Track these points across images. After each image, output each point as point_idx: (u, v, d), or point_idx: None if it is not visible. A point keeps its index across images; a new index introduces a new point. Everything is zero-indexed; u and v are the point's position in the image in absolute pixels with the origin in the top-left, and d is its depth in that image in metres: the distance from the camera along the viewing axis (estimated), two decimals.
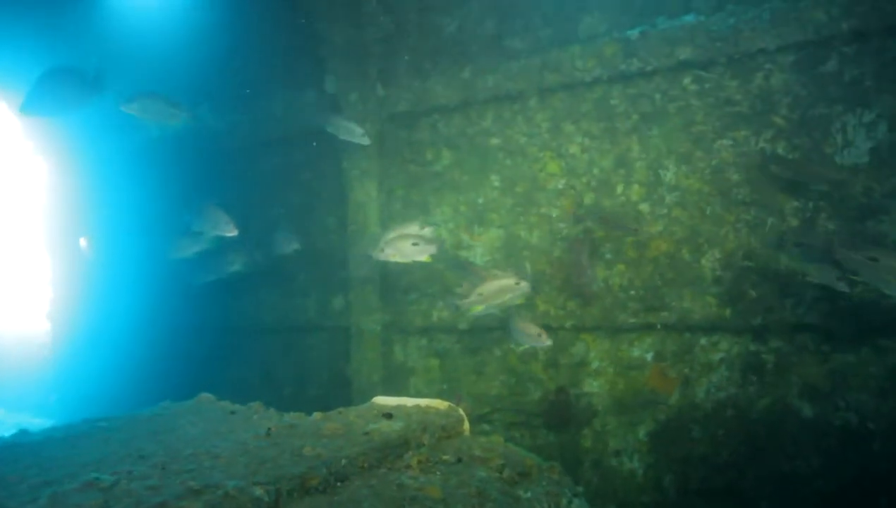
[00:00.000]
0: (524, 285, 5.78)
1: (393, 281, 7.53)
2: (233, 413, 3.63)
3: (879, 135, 5.67)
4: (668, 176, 6.40)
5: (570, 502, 2.89)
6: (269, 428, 2.93)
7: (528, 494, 2.80)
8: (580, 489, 3.07)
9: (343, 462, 2.58)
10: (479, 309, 5.85)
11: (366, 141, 6.73)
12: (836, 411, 5.85)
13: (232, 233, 6.42)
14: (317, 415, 3.20)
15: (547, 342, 5.85)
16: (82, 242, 10.75)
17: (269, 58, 8.41)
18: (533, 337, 5.91)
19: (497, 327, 7.01)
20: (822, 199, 5.84)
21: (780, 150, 6.00)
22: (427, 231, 6.48)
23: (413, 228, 6.53)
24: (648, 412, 6.53)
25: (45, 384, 12.39)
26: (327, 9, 7.37)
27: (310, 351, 8.39)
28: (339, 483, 2.54)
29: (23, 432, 3.65)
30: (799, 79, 5.92)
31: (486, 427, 7.08)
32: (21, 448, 3.10)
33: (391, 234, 6.36)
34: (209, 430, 3.15)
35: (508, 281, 5.76)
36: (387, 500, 2.41)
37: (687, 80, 6.31)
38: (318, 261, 8.08)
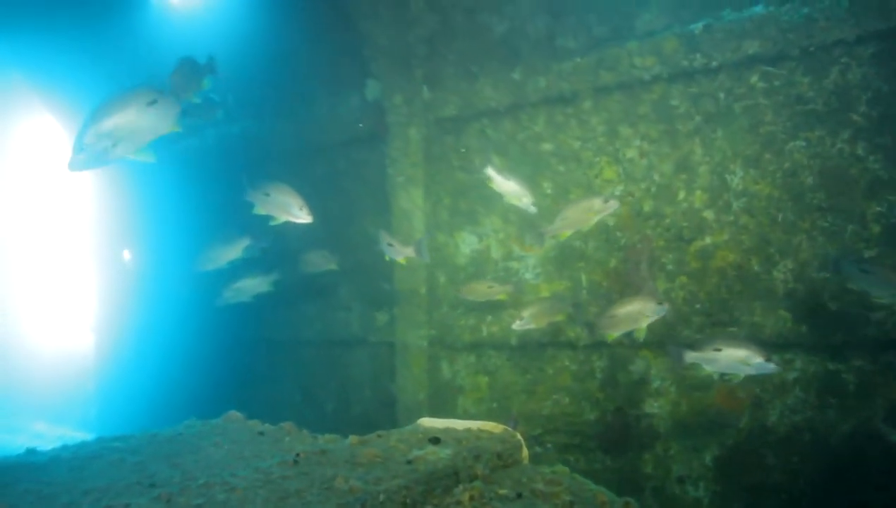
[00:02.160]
0: (665, 306, 5.20)
1: (440, 294, 7.17)
2: (261, 434, 3.30)
3: None
4: (735, 180, 5.94)
5: None
6: (298, 454, 2.57)
7: None
8: None
9: (381, 497, 2.21)
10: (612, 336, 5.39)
11: None
12: None
13: (306, 218, 5.73)
14: (353, 439, 2.84)
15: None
16: (126, 254, 10.65)
17: (312, 62, 8.19)
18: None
19: (549, 343, 6.60)
20: None
21: (859, 151, 5.51)
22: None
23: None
24: (715, 435, 6.05)
25: (86, 397, 12.32)
26: (371, 9, 7.09)
27: (352, 367, 8.08)
28: None
29: (30, 451, 3.39)
30: (879, 72, 5.44)
31: (538, 450, 6.66)
32: (24, 469, 2.82)
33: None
34: (233, 453, 2.82)
35: (647, 303, 5.19)
36: None
37: (754, 77, 5.86)
38: (362, 273, 7.77)
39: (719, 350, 4.82)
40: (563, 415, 6.61)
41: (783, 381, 5.80)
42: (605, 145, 6.46)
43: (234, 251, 7.61)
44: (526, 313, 5.80)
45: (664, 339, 6.14)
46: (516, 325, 5.81)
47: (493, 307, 6.85)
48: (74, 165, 3.79)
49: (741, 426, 5.94)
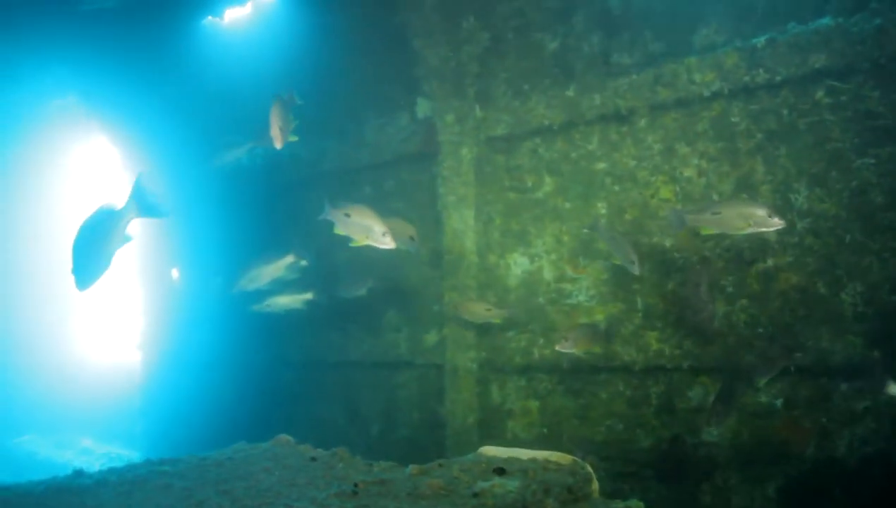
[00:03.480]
0: (777, 220, 4.90)
1: None
2: (313, 459, 3.18)
3: None
4: (800, 200, 5.71)
5: None
6: (356, 484, 2.44)
7: None
8: None
9: None
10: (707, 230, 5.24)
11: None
12: None
13: (389, 245, 5.63)
14: (413, 469, 2.70)
15: (636, 270, 5.61)
16: (174, 273, 10.71)
17: (361, 81, 8.16)
18: (627, 258, 5.63)
19: (604, 368, 6.40)
20: None
21: None
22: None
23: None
24: (778, 466, 5.79)
25: (133, 414, 12.39)
26: (422, 27, 7.03)
27: (400, 389, 7.95)
28: None
29: (77, 473, 3.32)
30: None
31: None
32: (71, 493, 2.74)
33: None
34: (284, 480, 2.70)
35: (757, 209, 4.94)
36: None
37: (820, 93, 5.64)
38: (411, 294, 7.66)
39: (718, 213, 4.93)
40: (617, 442, 6.39)
41: (853, 411, 5.52)
42: (662, 164, 6.28)
43: (276, 270, 7.59)
44: (569, 335, 5.86)
45: (723, 366, 5.93)
46: (559, 347, 5.87)
47: (545, 329, 6.68)
48: None
49: (806, 456, 5.67)
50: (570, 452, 3.03)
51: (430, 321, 7.35)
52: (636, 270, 5.58)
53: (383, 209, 7.73)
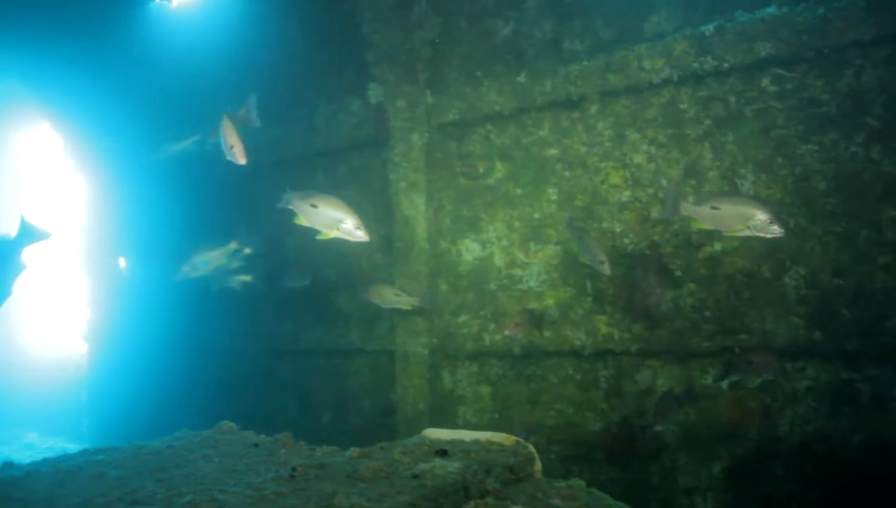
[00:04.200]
0: (776, 228, 4.67)
1: (441, 302, 7.01)
2: (255, 445, 3.13)
3: None
4: (746, 186, 5.80)
5: None
6: (294, 469, 2.40)
7: None
8: None
9: None
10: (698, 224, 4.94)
11: None
12: None
13: (362, 238, 5.28)
14: (354, 451, 2.66)
15: (606, 271, 5.42)
16: (121, 262, 10.49)
17: (312, 67, 8.05)
18: (596, 258, 5.43)
19: (555, 352, 6.44)
20: None
21: (874, 155, 5.37)
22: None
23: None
24: (724, 446, 5.89)
25: (79, 407, 12.13)
26: (373, 11, 6.95)
27: (351, 377, 7.90)
28: None
29: (7, 465, 3.20)
30: (895, 73, 5.30)
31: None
32: None
33: None
34: (224, 467, 2.65)
35: (756, 210, 4.66)
36: None
37: (766, 80, 5.72)
38: (362, 281, 7.61)
39: (717, 208, 4.64)
40: (568, 426, 6.44)
41: (795, 390, 5.64)
42: (612, 150, 6.32)
43: (219, 258, 7.49)
44: (513, 321, 5.85)
45: (671, 349, 6.00)
46: (507, 331, 5.90)
47: (496, 315, 6.69)
48: None
49: (751, 436, 5.77)
50: (515, 434, 3.03)
51: (382, 308, 7.31)
52: (606, 271, 5.42)
53: (336, 196, 7.70)
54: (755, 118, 5.78)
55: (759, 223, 4.57)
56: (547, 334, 6.37)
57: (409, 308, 6.58)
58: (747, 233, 4.62)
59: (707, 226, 4.80)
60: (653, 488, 6.12)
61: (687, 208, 4.81)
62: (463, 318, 6.90)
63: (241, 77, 8.04)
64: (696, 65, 5.82)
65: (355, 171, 7.77)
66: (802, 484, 5.58)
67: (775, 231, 4.57)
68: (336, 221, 5.29)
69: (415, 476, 2.35)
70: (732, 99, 5.85)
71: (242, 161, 5.63)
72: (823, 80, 5.54)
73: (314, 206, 5.30)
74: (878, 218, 5.34)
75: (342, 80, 7.84)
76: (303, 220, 5.35)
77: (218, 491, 2.20)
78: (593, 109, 6.37)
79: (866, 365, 5.40)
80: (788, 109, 5.66)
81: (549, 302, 6.49)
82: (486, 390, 6.89)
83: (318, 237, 5.39)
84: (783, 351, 5.61)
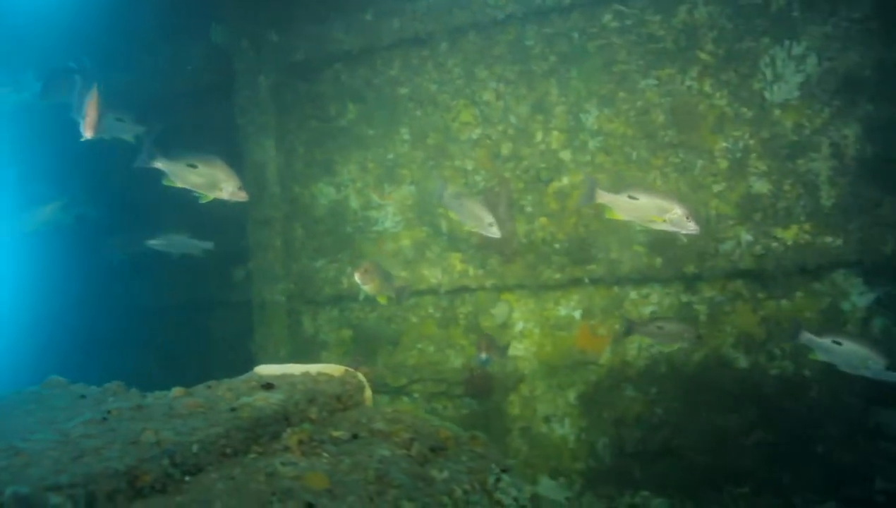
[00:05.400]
0: (692, 225, 4.50)
1: (297, 247, 6.88)
2: (83, 397, 2.99)
3: (809, 69, 5.33)
4: (590, 120, 5.95)
5: (497, 479, 2.36)
6: (109, 411, 2.31)
7: (445, 474, 2.27)
8: (511, 462, 2.57)
9: (194, 448, 1.99)
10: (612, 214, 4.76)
11: None
12: (772, 360, 5.55)
13: (243, 198, 4.99)
14: (177, 391, 2.59)
15: (496, 233, 5.12)
16: None
17: (153, 9, 7.58)
18: (484, 222, 5.10)
19: (413, 292, 6.47)
20: (751, 138, 5.48)
21: (707, 88, 5.61)
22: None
23: None
24: (579, 373, 6.13)
25: None
26: None
27: (213, 330, 7.69)
28: (187, 478, 1.95)
29: None
30: (724, 11, 5.55)
31: (405, 400, 6.56)
32: None
33: None
34: (44, 420, 2.52)
35: (672, 205, 4.50)
36: (249, 496, 1.84)
37: (608, 16, 5.86)
38: (216, 230, 7.35)
39: (635, 198, 4.55)
40: (429, 364, 6.52)
41: (640, 316, 5.91)
42: (463, 88, 6.32)
43: (49, 213, 7.08)
44: (359, 275, 5.28)
45: (525, 282, 6.14)
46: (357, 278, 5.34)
47: (354, 258, 6.64)
48: None
49: (602, 362, 6.03)
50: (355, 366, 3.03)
51: (237, 256, 7.10)
52: (496, 233, 5.13)
53: (182, 144, 7.36)
54: (598, 53, 5.91)
55: (676, 217, 4.46)
56: (403, 273, 6.39)
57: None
58: (663, 226, 4.53)
59: (620, 217, 4.69)
60: (514, 418, 6.31)
61: (603, 196, 4.68)
62: (320, 263, 6.82)
63: (76, 18, 7.54)
64: (539, 1, 5.86)
65: (202, 117, 7.43)
66: (649, 404, 5.89)
67: (691, 228, 4.47)
68: (219, 182, 4.99)
69: (233, 410, 2.30)
70: (576, 35, 5.96)
71: (88, 134, 5.15)
72: (661, 15, 5.71)
73: (193, 166, 4.95)
74: (712, 148, 5.61)
75: (184, 21, 7.44)
76: (175, 182, 4.95)
77: (20, 440, 2.08)
78: (443, 46, 6.34)
79: (703, 288, 5.72)
80: (629, 45, 5.82)
81: (405, 242, 6.50)
82: (347, 334, 6.86)
83: (202, 201, 5.06)
84: (628, 279, 5.87)
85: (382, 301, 5.35)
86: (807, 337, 4.53)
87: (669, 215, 4.47)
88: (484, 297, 6.30)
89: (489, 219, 5.10)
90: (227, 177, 5.02)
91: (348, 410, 2.69)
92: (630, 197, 4.59)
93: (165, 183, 4.99)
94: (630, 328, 5.20)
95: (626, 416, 5.96)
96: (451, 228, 6.33)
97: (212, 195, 5.06)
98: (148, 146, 4.91)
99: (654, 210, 4.51)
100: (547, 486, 6.17)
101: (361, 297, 6.58)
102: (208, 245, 6.88)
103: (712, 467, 5.68)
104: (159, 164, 4.90)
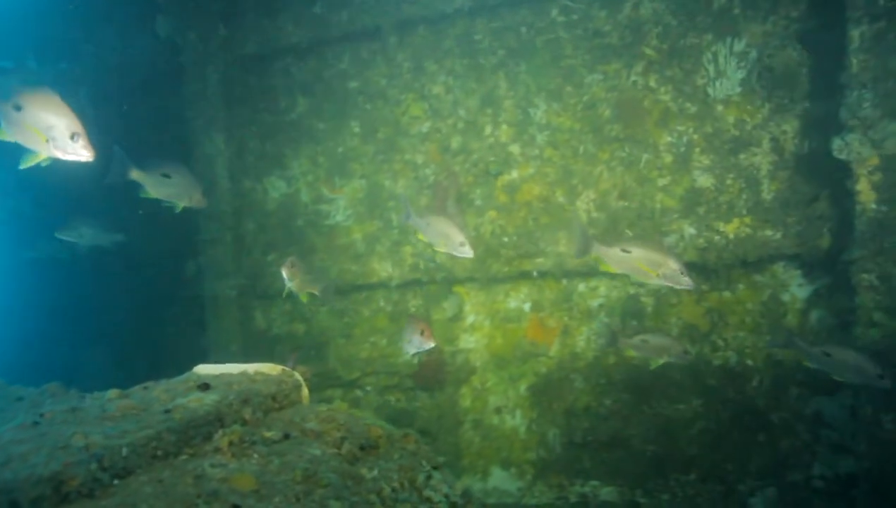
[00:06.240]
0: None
1: (249, 241, 6.85)
2: (20, 399, 2.97)
3: (750, 65, 5.44)
4: (538, 114, 6.01)
5: (428, 477, 2.40)
6: (42, 415, 2.31)
7: (374, 472, 2.30)
8: (441, 459, 2.61)
9: (124, 451, 2.00)
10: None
11: None
12: (716, 350, 5.69)
13: (202, 204, 5.20)
14: (112, 393, 2.59)
15: (469, 254, 4.88)
16: None
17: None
18: (454, 242, 4.87)
19: (365, 286, 6.50)
20: (695, 133, 5.59)
21: (651, 83, 5.70)
22: None
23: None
24: (529, 365, 6.21)
25: None
26: None
27: (164, 326, 7.63)
28: (116, 481, 1.96)
29: None
30: (668, 7, 5.64)
31: (358, 393, 6.58)
32: None
33: None
34: None
35: (666, 258, 4.40)
36: (176, 499, 1.86)
37: (555, 11, 5.92)
38: (167, 226, 7.28)
39: (628, 252, 4.48)
40: (381, 357, 6.54)
41: (588, 308, 6.00)
42: (412, 82, 6.33)
43: None
44: (285, 269, 4.97)
45: (474, 275, 6.18)
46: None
47: (305, 251, 6.62)
48: None
49: (552, 354, 6.11)
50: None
51: (188, 251, 7.04)
52: (469, 253, 4.88)
53: (130, 138, 7.27)
54: (545, 48, 5.96)
55: (670, 272, 4.37)
56: (354, 267, 6.40)
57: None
58: (656, 281, 4.44)
59: (613, 270, 4.62)
60: (466, 410, 6.37)
61: (597, 249, 4.59)
62: (272, 257, 6.79)
63: (23, 7, 7.38)
64: None
65: (150, 111, 7.33)
66: (598, 395, 5.99)
67: (685, 282, 4.36)
68: (189, 191, 5.13)
69: (166, 412, 2.31)
70: (524, 30, 6.00)
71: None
72: (606, 11, 5.79)
73: (167, 177, 5.00)
74: (657, 142, 5.70)
75: (131, 13, 7.33)
76: (152, 193, 5.01)
77: None
78: (392, 40, 6.33)
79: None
80: (575, 39, 5.89)
81: (357, 236, 6.50)
82: (300, 327, 6.85)
83: (177, 210, 5.21)
84: (576, 272, 5.95)
85: (303, 299, 5.25)
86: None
87: (662, 270, 4.40)
88: (434, 290, 6.34)
89: (460, 238, 4.85)
90: (193, 185, 5.15)
91: (284, 409, 2.71)
92: (623, 250, 4.54)
93: (142, 195, 5.02)
94: (613, 340, 5.12)
95: (575, 407, 6.05)
96: (401, 221, 6.35)
97: (183, 204, 5.18)
98: (120, 159, 4.86)
99: (649, 264, 4.46)
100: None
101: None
102: (119, 237, 6.85)
103: (659, 456, 5.81)
104: (134, 176, 4.90)
